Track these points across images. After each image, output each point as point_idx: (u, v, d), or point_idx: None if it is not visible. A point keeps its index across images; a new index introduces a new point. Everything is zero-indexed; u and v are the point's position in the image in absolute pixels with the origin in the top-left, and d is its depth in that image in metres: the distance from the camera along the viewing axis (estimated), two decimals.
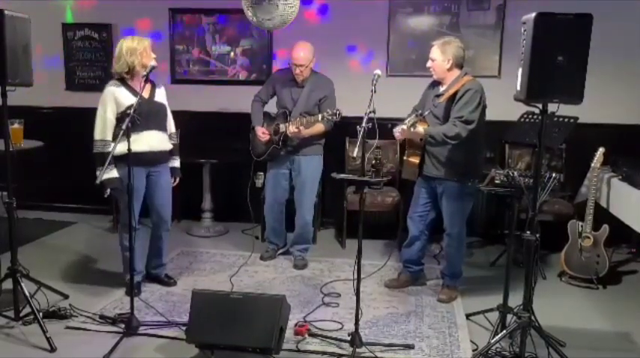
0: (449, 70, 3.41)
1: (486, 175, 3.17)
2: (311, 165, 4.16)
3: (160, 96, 3.57)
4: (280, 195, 4.29)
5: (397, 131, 3.51)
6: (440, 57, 3.39)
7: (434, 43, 3.45)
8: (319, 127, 3.98)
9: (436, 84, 3.56)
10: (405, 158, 3.62)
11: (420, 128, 3.35)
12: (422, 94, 3.71)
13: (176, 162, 3.72)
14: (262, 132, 4.12)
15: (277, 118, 4.13)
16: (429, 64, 3.46)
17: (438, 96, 3.46)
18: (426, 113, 3.44)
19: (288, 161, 4.18)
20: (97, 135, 3.37)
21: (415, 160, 3.57)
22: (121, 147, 3.02)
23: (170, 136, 3.65)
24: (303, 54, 3.92)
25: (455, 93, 3.34)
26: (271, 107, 4.29)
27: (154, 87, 3.54)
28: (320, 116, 3.81)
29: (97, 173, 3.12)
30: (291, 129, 3.91)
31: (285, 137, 4.04)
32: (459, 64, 3.41)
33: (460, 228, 3.56)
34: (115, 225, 5.05)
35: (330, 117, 3.71)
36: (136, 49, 3.35)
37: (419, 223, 3.70)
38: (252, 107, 4.22)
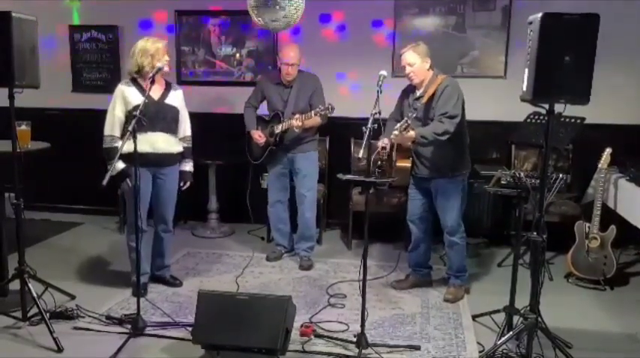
0: (429, 70, 3.47)
1: (481, 171, 3.15)
2: (308, 162, 4.22)
3: (173, 98, 3.56)
4: (282, 195, 4.35)
5: (383, 143, 3.47)
6: (418, 60, 3.43)
7: (403, 51, 3.48)
8: (317, 119, 4.03)
9: (410, 90, 3.61)
10: (395, 164, 3.62)
11: (411, 131, 3.37)
12: (396, 102, 3.72)
13: (187, 166, 3.70)
14: (258, 136, 4.17)
15: (271, 121, 4.19)
16: (407, 70, 3.47)
17: (418, 99, 3.49)
18: (412, 117, 3.44)
19: (286, 160, 4.23)
20: (106, 130, 3.45)
21: (407, 164, 3.59)
22: (126, 147, 3.05)
23: (183, 139, 3.65)
24: (293, 53, 4.02)
25: (433, 94, 3.40)
26: (264, 110, 4.33)
27: (167, 89, 3.55)
28: (313, 112, 3.88)
29: (108, 166, 3.20)
30: (295, 123, 3.93)
31: (282, 137, 4.10)
32: (432, 63, 3.48)
33: (457, 224, 3.57)
34: (122, 226, 5.07)
35: (323, 113, 3.83)
36: (148, 50, 3.39)
37: (420, 225, 3.72)
38: (245, 113, 4.30)
